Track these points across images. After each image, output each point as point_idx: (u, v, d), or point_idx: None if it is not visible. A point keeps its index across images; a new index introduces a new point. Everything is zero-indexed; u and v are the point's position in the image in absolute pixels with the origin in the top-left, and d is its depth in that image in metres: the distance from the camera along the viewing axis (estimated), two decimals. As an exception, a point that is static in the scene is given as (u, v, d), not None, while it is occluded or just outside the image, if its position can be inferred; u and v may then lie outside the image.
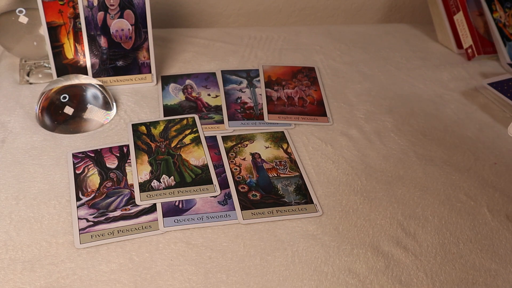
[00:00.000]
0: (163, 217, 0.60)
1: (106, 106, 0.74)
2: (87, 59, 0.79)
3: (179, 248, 0.57)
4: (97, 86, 0.75)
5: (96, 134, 0.72)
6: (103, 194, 0.63)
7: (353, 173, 0.68)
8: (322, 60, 0.92)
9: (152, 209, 0.61)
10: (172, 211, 0.61)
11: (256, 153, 0.70)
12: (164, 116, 0.76)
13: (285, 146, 0.72)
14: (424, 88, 0.87)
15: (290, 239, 0.59)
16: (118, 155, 0.68)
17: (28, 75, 0.81)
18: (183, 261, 0.56)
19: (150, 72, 0.82)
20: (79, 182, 0.64)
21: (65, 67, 0.79)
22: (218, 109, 0.78)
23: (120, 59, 0.80)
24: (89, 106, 0.73)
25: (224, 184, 0.65)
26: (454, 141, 0.75)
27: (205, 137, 0.72)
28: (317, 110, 0.79)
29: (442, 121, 0.79)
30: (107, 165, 0.67)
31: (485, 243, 0.60)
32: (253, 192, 0.64)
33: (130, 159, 0.68)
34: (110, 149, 0.69)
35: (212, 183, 0.65)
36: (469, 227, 0.62)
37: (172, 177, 0.65)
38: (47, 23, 0.76)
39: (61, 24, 0.77)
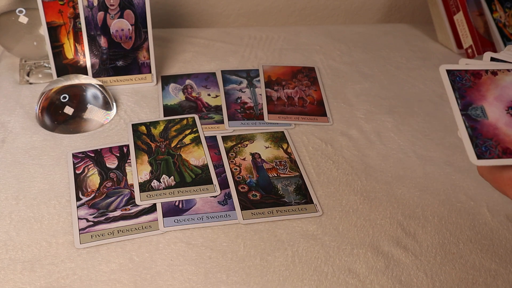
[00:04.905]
0: (163, 217, 0.60)
1: (106, 106, 0.75)
2: (87, 59, 0.79)
3: (179, 248, 0.57)
4: (97, 86, 0.75)
5: (96, 134, 0.72)
6: (103, 194, 0.63)
7: (353, 173, 0.68)
8: (322, 60, 0.92)
9: (152, 209, 0.61)
10: (172, 211, 0.61)
11: (256, 153, 0.70)
12: (164, 116, 0.76)
13: (285, 146, 0.72)
14: (424, 88, 0.87)
15: (290, 239, 0.59)
16: (118, 155, 0.68)
17: (28, 75, 0.81)
18: (183, 261, 0.56)
19: (150, 72, 0.82)
20: (79, 182, 0.64)
21: (65, 67, 0.79)
22: (218, 109, 0.78)
23: (120, 59, 0.80)
24: (89, 106, 0.73)
25: (224, 184, 0.65)
26: (454, 141, 0.75)
27: (205, 137, 0.72)
28: (317, 110, 0.79)
29: (442, 121, 0.79)
30: (107, 165, 0.67)
31: (485, 243, 0.60)
32: (253, 192, 0.64)
33: (130, 159, 0.68)
34: (110, 149, 0.69)
35: (212, 183, 0.65)
36: (469, 227, 0.62)
37: (172, 177, 0.65)
38: (47, 23, 0.76)
39: (61, 24, 0.77)
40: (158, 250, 0.57)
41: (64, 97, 0.72)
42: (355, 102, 0.82)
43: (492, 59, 0.50)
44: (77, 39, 0.79)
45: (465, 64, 0.48)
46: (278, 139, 0.73)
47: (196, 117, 0.75)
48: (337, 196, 0.65)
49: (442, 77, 0.46)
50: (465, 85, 0.46)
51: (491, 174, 0.44)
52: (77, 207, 0.61)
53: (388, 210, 0.63)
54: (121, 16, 0.78)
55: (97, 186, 0.64)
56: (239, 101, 0.80)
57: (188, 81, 0.83)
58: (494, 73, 0.47)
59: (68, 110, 0.72)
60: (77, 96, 0.73)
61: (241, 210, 0.61)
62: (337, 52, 0.95)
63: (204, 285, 0.53)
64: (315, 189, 0.65)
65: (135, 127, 0.73)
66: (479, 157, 0.42)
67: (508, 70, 0.47)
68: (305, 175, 0.67)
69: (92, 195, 0.62)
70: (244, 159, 0.69)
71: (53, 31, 0.77)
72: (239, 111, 0.78)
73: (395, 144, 0.74)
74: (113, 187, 0.64)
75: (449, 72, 0.46)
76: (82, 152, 0.68)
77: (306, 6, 1.08)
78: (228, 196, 0.64)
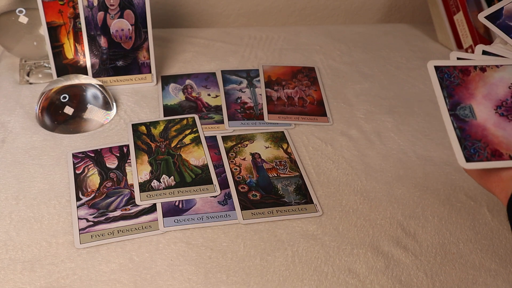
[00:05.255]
0: (163, 217, 0.60)
1: (106, 106, 0.75)
2: (87, 59, 0.79)
3: (179, 248, 0.57)
4: (97, 86, 0.75)
5: (96, 134, 0.72)
6: (103, 194, 0.63)
7: (353, 173, 0.68)
8: (322, 60, 0.92)
9: (152, 209, 0.61)
10: (172, 211, 0.61)
11: (256, 153, 0.70)
12: (164, 116, 0.76)
13: (285, 146, 0.72)
14: (424, 88, 0.87)
15: (290, 239, 0.59)
16: (118, 155, 0.68)
17: (28, 75, 0.81)
18: (183, 261, 0.56)
19: (150, 72, 0.82)
20: (79, 182, 0.64)
21: (65, 67, 0.79)
22: (218, 109, 0.78)
23: (120, 59, 0.80)
24: (89, 106, 0.73)
25: (224, 184, 0.65)
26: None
27: (205, 137, 0.72)
28: (317, 110, 0.79)
29: (442, 121, 0.79)
30: (107, 165, 0.67)
31: (485, 243, 0.60)
32: (253, 192, 0.64)
33: (130, 159, 0.68)
34: (110, 149, 0.69)
35: (212, 183, 0.65)
36: (469, 227, 0.62)
37: (172, 177, 0.65)
38: (47, 23, 0.76)
39: (61, 24, 0.77)
40: (158, 250, 0.57)
41: (64, 97, 0.72)
42: (355, 102, 0.82)
43: (484, 52, 0.49)
44: (77, 39, 0.79)
45: (456, 57, 0.47)
46: (278, 139, 0.73)
47: (196, 117, 0.75)
48: (337, 196, 0.65)
49: (430, 74, 0.45)
50: (454, 83, 0.45)
51: (478, 171, 0.44)
52: (77, 207, 0.61)
53: (388, 210, 0.63)
54: (121, 16, 0.78)
55: (97, 186, 0.64)
56: (239, 101, 0.80)
57: (188, 81, 0.83)
58: (483, 69, 0.46)
59: (68, 110, 0.72)
60: (77, 96, 0.73)
61: (241, 210, 0.61)
62: (337, 52, 0.95)
63: (204, 285, 0.53)
64: (315, 189, 0.65)
65: (135, 127, 0.73)
66: (468, 159, 0.42)
67: (497, 66, 0.46)
68: (305, 175, 0.67)
69: (92, 195, 0.62)
70: (244, 159, 0.69)
71: (53, 31, 0.77)
72: (239, 111, 0.78)
73: (395, 144, 0.74)
74: (113, 187, 0.64)
75: (437, 68, 0.45)
76: (82, 152, 0.68)
77: (306, 6, 1.08)
78: (228, 196, 0.64)
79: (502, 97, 0.44)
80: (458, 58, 0.47)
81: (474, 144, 0.42)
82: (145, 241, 0.58)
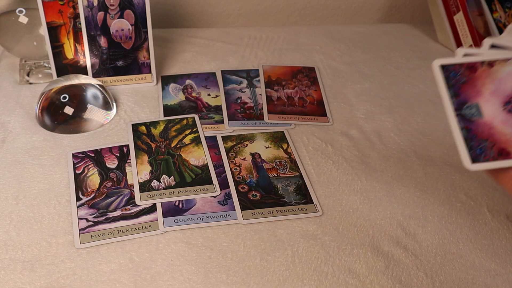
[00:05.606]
0: (163, 217, 0.60)
1: (106, 106, 0.75)
2: (87, 59, 0.79)
3: (179, 248, 0.57)
4: (97, 86, 0.75)
5: (96, 134, 0.72)
6: (103, 194, 0.63)
7: (353, 173, 0.68)
8: (322, 60, 0.92)
9: (152, 209, 0.61)
10: (172, 211, 0.61)
11: (256, 153, 0.70)
12: (164, 116, 0.76)
13: (285, 146, 0.72)
14: (424, 88, 0.87)
15: (290, 239, 0.59)
16: (118, 155, 0.68)
17: (28, 75, 0.81)
18: (183, 261, 0.56)
19: (150, 72, 0.82)
20: (79, 182, 0.64)
21: (65, 67, 0.79)
22: (218, 109, 0.78)
23: (120, 59, 0.80)
24: (89, 106, 0.73)
25: (224, 184, 0.65)
26: (454, 141, 0.75)
27: (205, 137, 0.72)
28: (317, 110, 0.79)
29: (442, 121, 0.79)
30: (107, 165, 0.67)
31: (485, 243, 0.60)
32: (253, 192, 0.64)
33: (130, 159, 0.68)
34: (110, 149, 0.69)
35: (212, 183, 0.65)
36: (469, 227, 0.62)
37: (172, 177, 0.65)
38: (47, 23, 0.76)
39: (61, 24, 0.77)
40: (158, 250, 0.57)
41: (64, 97, 0.72)
42: (355, 102, 0.82)
43: (493, 46, 0.46)
44: (77, 39, 0.79)
45: (463, 53, 0.45)
46: (278, 139, 0.73)
47: (196, 117, 0.75)
48: (337, 196, 0.65)
49: (435, 74, 0.43)
50: (460, 81, 0.43)
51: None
52: (77, 207, 0.61)
53: (388, 210, 0.63)
54: (121, 16, 0.78)
55: (97, 186, 0.64)
56: (239, 101, 0.80)
57: (188, 81, 0.83)
58: (491, 64, 0.44)
59: (68, 110, 0.72)
60: (77, 96, 0.73)
61: (241, 210, 0.61)
62: (337, 52, 0.95)
63: (204, 285, 0.53)
64: (315, 189, 0.65)
65: (135, 127, 0.73)
66: (473, 160, 0.40)
67: (505, 60, 0.44)
68: (305, 175, 0.67)
69: (92, 195, 0.62)
70: (244, 159, 0.69)
71: (53, 31, 0.77)
72: (239, 111, 0.78)
73: (395, 144, 0.74)
74: (113, 187, 0.64)
75: (443, 67, 0.44)
76: (82, 152, 0.68)
77: (306, 6, 1.08)
78: (228, 196, 0.64)
79: (510, 93, 0.42)
80: (465, 54, 0.45)
81: (480, 144, 0.41)
82: (145, 241, 0.58)
